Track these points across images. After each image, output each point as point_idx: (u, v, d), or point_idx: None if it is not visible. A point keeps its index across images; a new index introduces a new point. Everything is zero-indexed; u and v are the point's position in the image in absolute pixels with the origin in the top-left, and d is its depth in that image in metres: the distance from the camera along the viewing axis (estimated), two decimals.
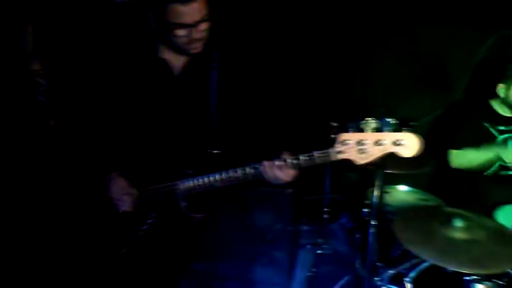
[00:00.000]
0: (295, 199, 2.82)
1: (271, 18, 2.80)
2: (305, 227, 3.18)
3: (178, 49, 1.56)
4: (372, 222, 2.12)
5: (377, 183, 2.05)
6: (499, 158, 2.44)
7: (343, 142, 1.34)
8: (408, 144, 1.29)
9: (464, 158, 2.52)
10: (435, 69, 2.78)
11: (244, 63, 1.67)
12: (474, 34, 2.38)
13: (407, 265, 1.95)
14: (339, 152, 1.36)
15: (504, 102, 2.48)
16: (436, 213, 2.01)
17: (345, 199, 2.95)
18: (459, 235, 1.80)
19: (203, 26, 1.49)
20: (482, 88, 2.64)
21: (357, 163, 1.35)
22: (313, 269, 2.70)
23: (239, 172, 1.50)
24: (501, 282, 1.82)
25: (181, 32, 1.47)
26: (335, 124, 2.48)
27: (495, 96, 2.50)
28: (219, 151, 1.60)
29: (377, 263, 2.06)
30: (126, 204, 1.57)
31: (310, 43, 2.91)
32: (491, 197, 2.46)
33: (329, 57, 2.94)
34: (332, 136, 1.46)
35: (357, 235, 2.65)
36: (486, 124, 2.51)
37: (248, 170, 1.49)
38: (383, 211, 2.27)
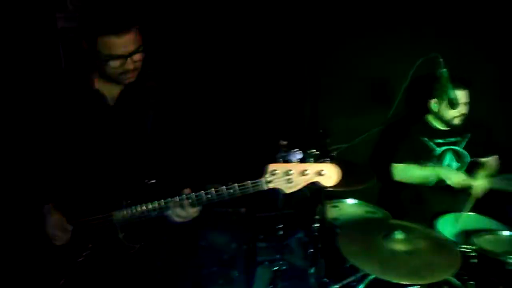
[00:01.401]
0: (249, 217, 2.85)
1: (207, 41, 2.80)
2: (262, 244, 3.23)
3: (112, 80, 1.56)
4: (320, 238, 2.18)
5: (322, 199, 2.11)
6: (437, 174, 2.58)
7: (272, 172, 1.40)
8: (329, 174, 1.38)
9: (406, 173, 2.66)
10: (381, 85, 2.91)
11: (181, 91, 1.69)
12: (412, 53, 2.51)
13: (352, 278, 2.01)
14: (269, 182, 1.42)
15: (438, 116, 2.63)
16: (379, 225, 2.11)
17: (299, 214, 3.00)
18: (399, 247, 1.88)
19: (137, 56, 1.49)
20: (418, 104, 2.78)
21: (285, 192, 1.42)
22: (270, 286, 2.72)
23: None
24: None
25: (114, 63, 1.47)
26: (284, 143, 2.56)
27: (430, 111, 2.66)
28: (155, 181, 1.61)
29: (324, 279, 2.12)
30: (61, 239, 1.55)
31: (252, 64, 2.95)
32: (433, 207, 2.59)
33: (276, 76, 3.00)
34: (282, 154, 1.53)
35: (310, 250, 2.70)
36: (424, 138, 2.66)
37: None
38: (331, 225, 2.33)
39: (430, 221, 2.40)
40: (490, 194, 2.52)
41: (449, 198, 2.60)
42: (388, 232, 1.94)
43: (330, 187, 1.40)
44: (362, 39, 2.91)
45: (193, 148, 1.69)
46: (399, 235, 1.91)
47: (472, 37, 2.89)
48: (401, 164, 2.67)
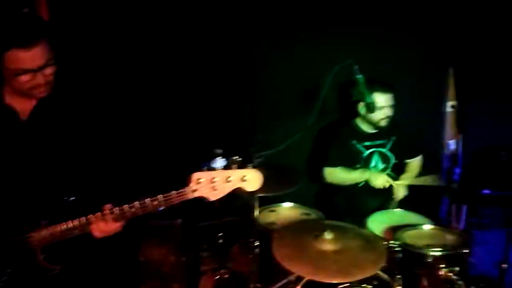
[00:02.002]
0: (186, 229, 2.82)
1: (132, 46, 2.74)
2: (204, 254, 3.21)
3: (24, 94, 1.49)
4: (256, 243, 2.20)
5: (256, 205, 2.14)
6: (364, 176, 2.71)
7: (197, 181, 1.40)
8: (251, 180, 1.41)
9: (335, 176, 2.77)
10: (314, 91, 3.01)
11: (98, 104, 1.65)
12: (344, 55, 2.61)
13: (284, 281, 2.05)
14: (194, 190, 1.42)
15: (365, 119, 2.77)
16: (312, 227, 2.16)
17: (239, 221, 3.01)
18: (329, 246, 1.95)
19: (48, 70, 1.44)
20: (347, 108, 2.91)
21: (210, 200, 1.43)
22: None
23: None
24: (370, 286, 2.02)
25: (23, 78, 1.41)
26: (219, 151, 2.57)
27: (358, 115, 2.79)
28: (75, 198, 1.56)
29: (257, 284, 2.14)
30: None
31: (183, 72, 2.91)
32: (365, 206, 2.71)
33: (209, 83, 3.00)
34: (206, 162, 1.53)
35: (251, 256, 2.71)
36: (353, 142, 2.79)
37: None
38: (267, 230, 2.36)
39: (362, 219, 2.52)
40: (420, 191, 2.70)
41: (378, 197, 2.75)
42: (318, 233, 2.00)
43: (253, 192, 1.41)
44: (297, 42, 2.98)
45: (114, 162, 1.65)
46: (328, 235, 1.97)
47: (396, 41, 3.07)
48: (331, 168, 2.78)
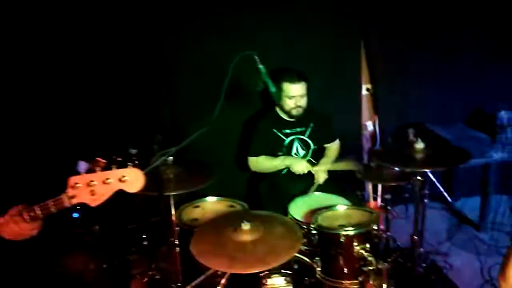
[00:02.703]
0: (107, 234, 2.71)
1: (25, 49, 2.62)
2: (133, 257, 3.13)
3: None
4: (176, 242, 2.16)
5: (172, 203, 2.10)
6: (285, 163, 2.76)
7: (74, 186, 1.33)
8: (132, 180, 1.34)
9: (259, 164, 2.80)
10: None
11: None
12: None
13: (202, 278, 2.04)
14: (72, 197, 1.34)
15: (281, 107, 2.81)
16: (232, 220, 2.16)
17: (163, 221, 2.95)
18: (246, 237, 1.95)
19: None
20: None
21: (92, 205, 1.35)
22: None
23: None
24: (289, 272, 2.06)
25: None
26: (134, 151, 2.48)
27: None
28: None
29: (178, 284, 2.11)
30: None
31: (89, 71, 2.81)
32: (287, 192, 2.76)
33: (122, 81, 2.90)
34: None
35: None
36: (274, 130, 2.82)
37: None
38: (190, 227, 2.33)
39: (285, 206, 2.56)
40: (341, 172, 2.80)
41: (300, 183, 2.81)
42: (236, 225, 1.99)
43: (136, 192, 1.35)
44: (206, 34, 2.96)
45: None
46: (245, 226, 1.97)
47: (310, 30, 3.13)
48: (254, 157, 2.80)
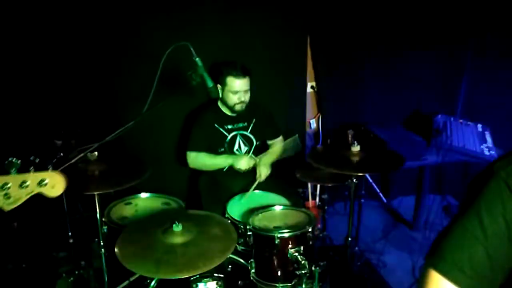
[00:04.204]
0: (24, 231, 2.50)
1: None
2: (61, 254, 2.93)
3: None
4: (101, 243, 2.02)
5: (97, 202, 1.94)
6: (226, 160, 2.67)
7: None
8: (52, 183, 1.24)
9: (200, 161, 2.70)
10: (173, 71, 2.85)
11: None
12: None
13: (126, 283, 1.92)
14: None
15: (223, 102, 2.72)
16: (165, 219, 2.04)
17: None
18: (177, 240, 1.85)
19: None
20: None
21: (6, 210, 1.22)
22: None
23: None
24: (221, 276, 1.99)
25: None
26: (59, 142, 2.29)
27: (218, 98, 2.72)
28: None
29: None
30: None
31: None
32: (227, 190, 2.68)
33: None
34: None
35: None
36: (216, 125, 2.72)
37: None
38: (119, 226, 2.19)
39: (223, 204, 2.48)
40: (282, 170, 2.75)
41: (241, 180, 2.74)
42: (167, 226, 1.88)
43: (57, 196, 1.23)
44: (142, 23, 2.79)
45: None
46: (176, 227, 1.86)
47: (256, 24, 3.03)
48: (195, 152, 2.69)
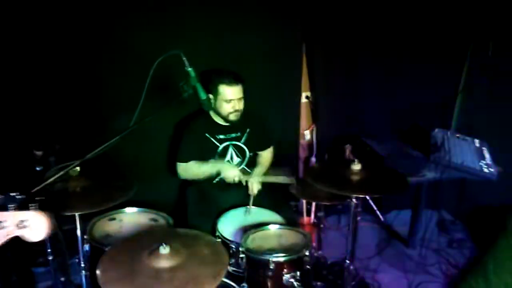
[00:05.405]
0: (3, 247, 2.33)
1: None
2: (40, 270, 2.77)
3: None
4: (81, 264, 1.87)
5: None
6: (216, 171, 2.54)
7: None
8: (34, 226, 1.11)
9: (188, 170, 2.57)
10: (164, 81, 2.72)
11: None
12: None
13: None
14: None
15: (216, 112, 2.59)
16: (151, 239, 1.90)
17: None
18: (164, 263, 1.71)
19: None
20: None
21: None
22: None
23: None
24: None
25: None
26: (39, 153, 2.13)
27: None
28: None
29: None
30: None
31: None
32: (218, 204, 2.55)
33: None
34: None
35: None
36: (207, 135, 2.59)
37: None
38: (101, 245, 2.04)
39: (215, 218, 2.35)
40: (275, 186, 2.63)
41: (232, 194, 2.61)
42: (153, 248, 1.74)
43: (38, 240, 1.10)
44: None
45: None
46: (164, 250, 1.72)
47: (250, 32, 2.91)
48: (183, 163, 2.57)
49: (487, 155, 2.91)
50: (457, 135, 3.05)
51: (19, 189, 1.17)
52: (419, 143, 2.94)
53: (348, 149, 2.35)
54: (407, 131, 3.17)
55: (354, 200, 2.03)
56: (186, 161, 2.57)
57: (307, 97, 3.29)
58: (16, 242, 2.52)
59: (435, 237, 3.10)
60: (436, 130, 3.01)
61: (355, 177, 2.03)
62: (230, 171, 2.49)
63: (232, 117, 2.54)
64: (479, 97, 3.28)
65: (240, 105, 2.54)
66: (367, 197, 3.33)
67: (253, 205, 2.48)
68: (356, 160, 2.04)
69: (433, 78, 3.31)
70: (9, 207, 1.08)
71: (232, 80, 2.47)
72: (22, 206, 1.10)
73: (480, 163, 2.79)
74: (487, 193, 3.07)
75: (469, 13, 3.15)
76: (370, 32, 3.16)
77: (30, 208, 1.10)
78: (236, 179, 2.48)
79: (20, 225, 1.09)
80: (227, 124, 2.63)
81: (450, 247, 3.13)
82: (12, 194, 1.08)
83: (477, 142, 3.02)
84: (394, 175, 2.17)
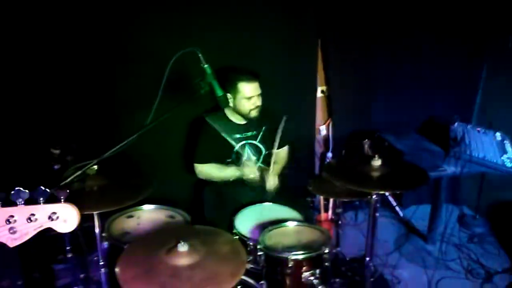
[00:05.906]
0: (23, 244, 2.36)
1: None
2: (60, 266, 2.81)
3: None
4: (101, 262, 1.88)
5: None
6: (238, 173, 2.54)
7: None
8: (64, 217, 1.13)
9: (208, 173, 2.58)
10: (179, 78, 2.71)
11: None
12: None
13: None
14: None
15: (235, 110, 2.57)
16: (170, 236, 1.90)
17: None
18: (183, 261, 1.71)
19: None
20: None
21: (11, 246, 1.12)
22: None
23: None
24: None
25: None
26: (56, 151, 2.15)
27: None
28: None
29: None
30: None
31: None
32: (235, 201, 2.54)
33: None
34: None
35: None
36: (223, 135, 2.58)
37: None
38: (119, 243, 2.05)
39: (232, 216, 2.34)
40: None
41: (249, 190, 2.60)
42: (171, 246, 1.74)
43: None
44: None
45: None
46: (182, 247, 1.72)
47: (265, 28, 2.89)
48: (202, 164, 2.57)
49: (509, 148, 2.83)
50: (478, 129, 2.98)
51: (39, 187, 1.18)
52: (438, 137, 2.88)
53: (366, 144, 2.31)
54: (424, 124, 3.11)
55: (374, 196, 1.99)
56: (204, 162, 2.57)
57: (322, 92, 3.26)
58: (38, 239, 2.56)
59: (455, 232, 3.04)
60: (456, 123, 2.94)
61: (376, 173, 2.00)
62: (249, 172, 2.51)
63: (253, 113, 2.54)
64: (498, 92, 3.19)
65: (259, 101, 2.54)
66: (386, 193, 3.28)
67: (269, 201, 2.46)
68: (376, 155, 2.00)
69: (451, 72, 3.23)
70: (40, 200, 1.10)
71: (251, 77, 2.46)
72: (52, 199, 1.12)
73: (502, 158, 2.72)
74: (509, 187, 3.01)
75: (488, 6, 3.06)
76: (385, 25, 3.11)
77: (60, 200, 1.11)
78: (256, 178, 2.47)
79: (52, 216, 1.11)
80: (243, 122, 2.62)
81: (471, 242, 3.07)
82: (42, 188, 1.10)
83: (498, 135, 2.94)
84: (415, 170, 2.12)
